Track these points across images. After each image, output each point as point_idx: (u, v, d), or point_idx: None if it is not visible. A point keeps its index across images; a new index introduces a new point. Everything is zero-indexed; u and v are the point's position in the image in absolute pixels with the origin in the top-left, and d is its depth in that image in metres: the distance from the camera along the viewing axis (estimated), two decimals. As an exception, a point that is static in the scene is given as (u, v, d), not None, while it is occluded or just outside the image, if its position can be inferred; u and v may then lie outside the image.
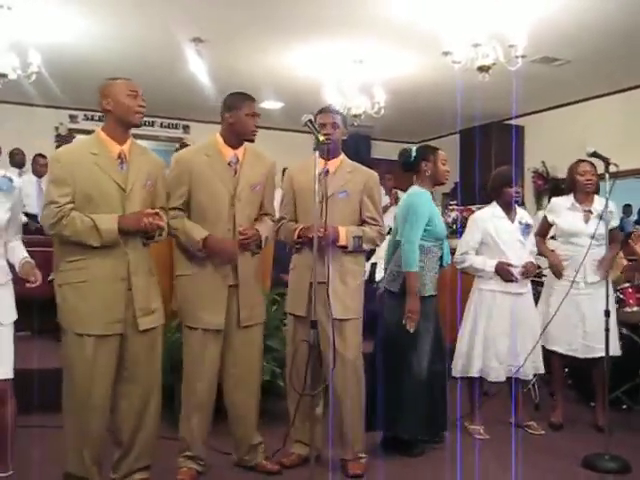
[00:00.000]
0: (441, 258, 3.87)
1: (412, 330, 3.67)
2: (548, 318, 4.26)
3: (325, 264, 3.20)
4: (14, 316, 2.96)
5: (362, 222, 3.53)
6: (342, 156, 3.58)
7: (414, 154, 3.93)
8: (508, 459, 3.65)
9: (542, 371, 4.34)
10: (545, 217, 4.52)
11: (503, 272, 4.15)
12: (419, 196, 3.83)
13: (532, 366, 4.23)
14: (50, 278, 6.06)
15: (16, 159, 7.98)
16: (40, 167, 7.55)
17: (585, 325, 4.25)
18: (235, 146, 3.37)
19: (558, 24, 6.00)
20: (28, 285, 2.82)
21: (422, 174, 3.89)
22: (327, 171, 3.46)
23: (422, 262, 3.77)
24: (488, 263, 4.18)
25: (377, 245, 3.65)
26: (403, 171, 4.01)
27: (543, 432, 4.26)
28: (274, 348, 4.13)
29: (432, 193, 3.93)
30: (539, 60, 6.95)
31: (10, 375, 2.89)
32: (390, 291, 3.82)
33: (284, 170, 3.75)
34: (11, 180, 2.92)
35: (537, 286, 4.84)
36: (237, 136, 3.36)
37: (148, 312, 3.02)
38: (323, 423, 3.49)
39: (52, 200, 2.90)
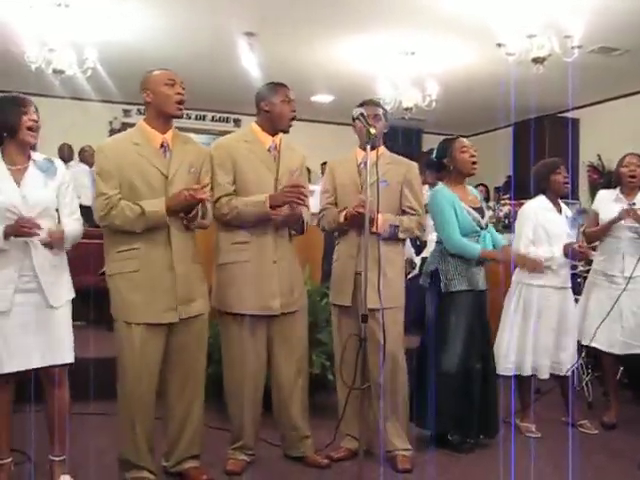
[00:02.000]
0: None
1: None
2: (587, 313, 4.20)
3: (363, 254, 3.18)
4: (67, 297, 3.00)
5: (402, 212, 3.51)
6: (382, 148, 3.55)
7: (435, 153, 3.89)
8: (561, 458, 3.57)
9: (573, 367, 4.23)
10: (594, 211, 4.42)
11: (575, 252, 3.98)
12: (436, 194, 3.81)
13: (569, 361, 4.13)
14: (103, 270, 6.20)
15: (63, 153, 8.20)
16: (90, 156, 7.73)
17: (622, 321, 4.16)
18: (272, 134, 3.39)
19: (616, 12, 5.83)
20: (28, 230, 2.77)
21: (447, 170, 3.84)
22: (366, 162, 3.45)
23: (450, 257, 3.74)
24: (554, 249, 4.03)
25: (415, 235, 3.60)
26: (433, 172, 3.98)
27: (597, 431, 4.17)
28: (323, 342, 4.13)
29: (465, 188, 3.85)
30: (596, 50, 6.78)
31: (67, 360, 2.94)
32: (425, 286, 3.84)
33: (323, 164, 3.75)
34: (52, 162, 2.96)
35: (577, 278, 4.74)
36: (273, 123, 3.37)
37: (189, 300, 3.05)
38: (373, 417, 3.48)
39: (101, 192, 2.96)
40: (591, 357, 4.55)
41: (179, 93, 3.03)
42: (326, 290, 3.98)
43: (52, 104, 7.25)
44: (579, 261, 4.17)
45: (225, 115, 10.31)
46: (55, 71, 6.24)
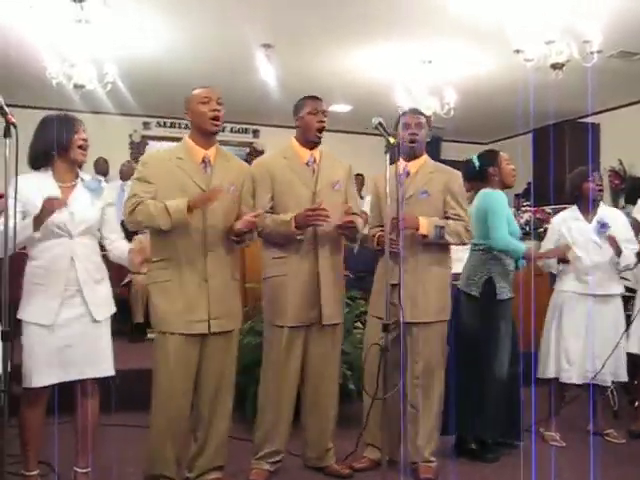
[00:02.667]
0: (516, 260, 3.81)
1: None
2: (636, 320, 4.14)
3: (399, 266, 3.17)
4: (109, 312, 3.05)
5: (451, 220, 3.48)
6: (425, 157, 3.56)
7: (477, 162, 3.91)
8: (586, 468, 3.52)
9: (623, 379, 4.16)
10: (635, 219, 4.34)
11: (554, 254, 4.05)
12: (494, 196, 3.78)
13: (609, 372, 4.06)
14: (124, 282, 6.24)
15: (100, 167, 8.30)
16: (129, 170, 7.86)
17: None
18: (310, 147, 3.41)
19: (635, 16, 5.77)
20: (138, 268, 2.95)
21: (491, 180, 3.85)
22: (408, 172, 3.45)
23: (497, 265, 3.75)
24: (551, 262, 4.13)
25: (463, 241, 3.51)
26: (468, 181, 3.98)
27: (624, 440, 4.11)
28: (345, 351, 4.12)
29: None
30: (616, 55, 6.71)
31: (107, 373, 3.00)
32: (470, 295, 3.78)
33: (356, 175, 3.77)
34: (100, 182, 3.08)
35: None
36: (304, 136, 3.42)
37: (222, 315, 3.07)
38: (396, 427, 3.46)
39: (134, 194, 3.02)
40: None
41: (214, 110, 3.07)
42: (348, 300, 3.99)
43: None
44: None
45: (244, 126, 10.36)
46: (76, 86, 6.30)
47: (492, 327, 3.74)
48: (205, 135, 3.11)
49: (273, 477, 3.39)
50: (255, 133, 10.48)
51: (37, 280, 2.88)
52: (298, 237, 3.27)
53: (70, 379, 2.92)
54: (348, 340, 4.09)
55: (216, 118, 3.08)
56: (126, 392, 3.86)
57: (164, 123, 9.90)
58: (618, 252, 3.99)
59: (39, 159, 2.94)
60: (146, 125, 9.91)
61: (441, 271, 3.49)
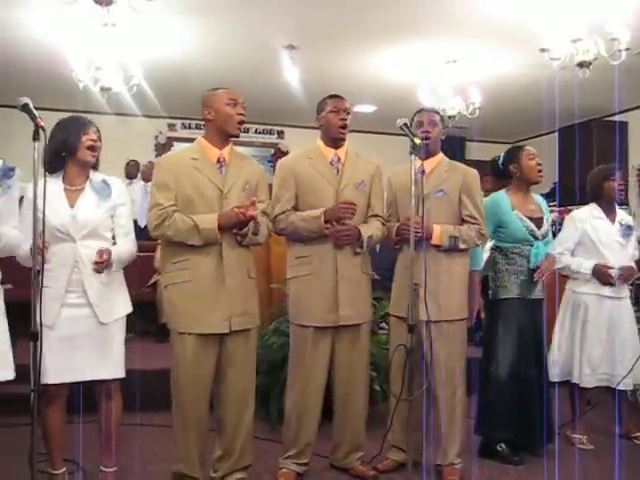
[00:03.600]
0: (529, 260, 3.73)
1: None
2: None
3: (422, 265, 3.16)
4: (120, 314, 3.05)
5: (461, 221, 3.45)
6: (440, 155, 3.54)
7: (501, 160, 3.90)
8: (613, 471, 3.48)
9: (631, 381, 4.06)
10: None
11: (601, 275, 3.96)
12: (489, 200, 3.79)
13: (632, 375, 3.98)
14: (151, 282, 6.27)
15: (131, 170, 8.39)
16: (149, 171, 7.89)
17: None
18: (334, 147, 3.42)
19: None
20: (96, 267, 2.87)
21: (513, 177, 3.83)
22: (423, 171, 3.43)
23: (501, 264, 3.73)
24: (584, 265, 3.99)
25: (477, 245, 3.50)
26: (497, 180, 3.96)
27: (652, 444, 4.05)
28: (371, 352, 4.12)
29: (527, 196, 3.84)
30: (644, 52, 6.61)
31: (116, 375, 3.00)
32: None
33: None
34: (107, 184, 3.03)
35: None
36: (327, 135, 3.42)
37: (240, 313, 3.07)
38: (421, 428, 3.45)
39: (156, 203, 3.02)
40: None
41: (240, 114, 3.09)
42: (373, 301, 3.98)
43: (99, 121, 7.30)
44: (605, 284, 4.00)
45: (269, 127, 10.39)
46: (102, 89, 6.38)
47: (490, 326, 3.74)
48: (224, 136, 3.13)
49: (299, 478, 3.40)
50: (280, 134, 10.50)
51: (46, 283, 2.82)
52: (327, 232, 3.25)
53: (80, 379, 2.93)
54: (373, 341, 4.08)
55: (242, 122, 3.11)
56: (151, 391, 3.89)
57: (189, 125, 9.96)
58: None
59: (52, 162, 2.94)
60: (171, 127, 9.98)
61: (459, 269, 3.46)
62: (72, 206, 2.93)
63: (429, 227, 3.31)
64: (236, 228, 3.02)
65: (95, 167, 3.06)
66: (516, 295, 3.71)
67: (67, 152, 2.94)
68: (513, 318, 3.70)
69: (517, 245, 3.73)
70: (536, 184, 3.86)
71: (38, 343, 2.40)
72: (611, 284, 3.96)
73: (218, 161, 3.10)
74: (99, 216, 2.97)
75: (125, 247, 3.05)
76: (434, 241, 3.33)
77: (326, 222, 3.24)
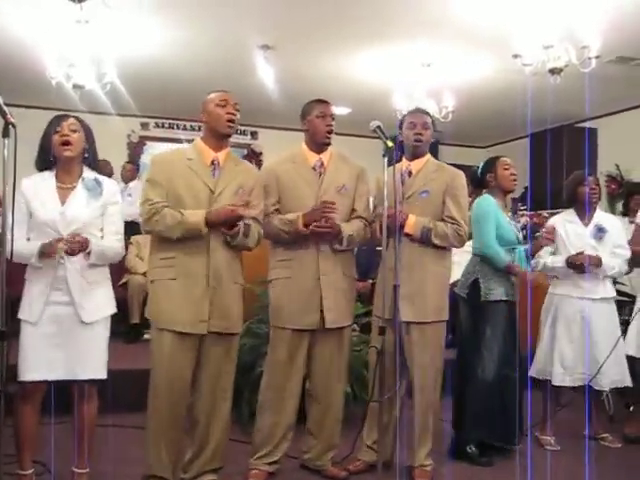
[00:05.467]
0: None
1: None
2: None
3: (393, 265, 3.17)
4: (104, 313, 3.02)
5: (442, 221, 3.46)
6: (427, 156, 3.54)
7: (479, 170, 4.00)
8: (580, 472, 3.54)
9: (624, 384, 4.13)
10: (638, 224, 4.32)
11: (573, 260, 4.01)
12: (481, 202, 3.87)
13: (608, 377, 4.06)
14: (121, 282, 6.23)
15: (102, 169, 8.27)
16: (127, 172, 8.00)
17: None
18: (318, 151, 3.44)
19: (633, 22, 5.79)
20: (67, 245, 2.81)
21: (489, 186, 3.93)
22: (410, 172, 3.46)
23: (488, 268, 3.79)
24: (557, 260, 4.08)
25: (452, 244, 3.48)
26: (476, 188, 4.02)
27: (620, 445, 4.12)
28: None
29: (505, 203, 3.95)
30: (614, 60, 6.73)
31: (97, 376, 2.98)
32: (462, 297, 3.85)
33: None
34: (99, 182, 3.03)
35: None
36: (312, 139, 3.44)
37: (222, 317, 3.06)
38: (392, 430, 3.47)
39: (147, 198, 3.04)
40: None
41: (230, 113, 3.12)
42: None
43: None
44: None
45: (242, 128, 10.34)
46: (75, 86, 6.31)
47: (478, 329, 3.77)
48: (218, 137, 3.15)
49: (271, 478, 3.39)
50: (253, 135, 10.48)
51: (30, 278, 2.91)
52: (304, 233, 3.26)
53: (58, 378, 2.90)
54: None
55: (231, 121, 3.12)
56: (121, 393, 3.85)
57: (162, 124, 9.90)
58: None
59: (38, 161, 2.98)
60: (144, 126, 9.90)
61: (439, 270, 3.47)
62: (63, 203, 2.92)
63: (404, 215, 3.32)
64: (225, 227, 3.00)
65: (93, 166, 3.06)
66: (503, 297, 3.77)
67: (49, 155, 2.94)
68: (500, 320, 3.77)
69: (504, 248, 3.80)
70: (511, 192, 3.98)
71: (5, 343, 2.38)
72: (583, 270, 4.00)
73: (212, 163, 3.11)
74: (88, 214, 2.95)
75: (111, 244, 3.02)
76: (407, 229, 3.34)
77: (305, 225, 3.24)
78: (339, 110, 8.86)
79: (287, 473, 3.50)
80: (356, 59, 7.10)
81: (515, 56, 5.72)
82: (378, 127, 3.03)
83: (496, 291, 3.77)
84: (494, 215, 3.79)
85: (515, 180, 3.92)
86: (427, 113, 3.63)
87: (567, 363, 4.06)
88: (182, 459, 3.16)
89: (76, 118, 3.03)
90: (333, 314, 3.34)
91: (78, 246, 2.81)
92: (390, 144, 2.95)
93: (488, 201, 3.86)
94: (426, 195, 3.42)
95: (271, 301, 3.44)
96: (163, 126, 9.90)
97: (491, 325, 3.75)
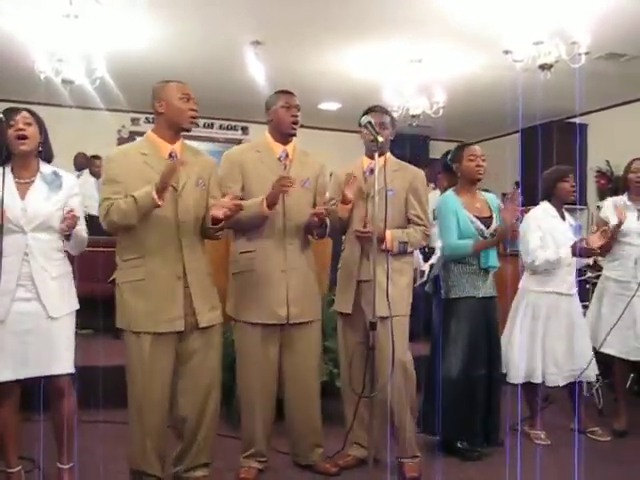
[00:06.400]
0: (479, 260, 3.76)
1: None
2: (600, 319, 4.21)
3: (371, 262, 3.17)
4: (69, 309, 3.00)
5: (407, 220, 3.49)
6: (388, 154, 3.50)
7: (449, 158, 3.95)
8: (570, 466, 3.55)
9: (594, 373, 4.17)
10: (599, 216, 4.42)
11: (586, 244, 3.94)
12: (440, 201, 3.86)
13: (592, 368, 4.09)
14: (111, 278, 6.20)
15: (78, 162, 8.26)
16: (97, 168, 7.78)
17: (636, 327, 4.14)
18: (283, 142, 3.41)
19: (623, 19, 5.81)
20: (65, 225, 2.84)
21: (457, 175, 3.89)
22: (372, 169, 3.43)
23: (452, 263, 3.76)
24: (561, 251, 3.99)
25: (423, 245, 3.53)
26: (451, 177, 4.02)
27: (609, 438, 4.14)
28: (331, 349, 4.13)
29: (472, 193, 3.87)
30: (604, 56, 6.75)
31: (65, 370, 2.94)
32: (431, 294, 3.87)
33: (331, 174, 3.76)
34: (58, 175, 2.99)
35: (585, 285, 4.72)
36: (277, 130, 3.40)
37: (207, 310, 3.06)
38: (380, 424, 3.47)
39: (105, 197, 2.98)
40: (601, 363, 4.50)
41: (193, 109, 3.05)
42: (333, 297, 3.99)
43: (61, 113, 7.26)
44: (588, 257, 4.10)
45: (233, 123, 10.34)
46: (64, 81, 6.28)
47: (443, 326, 3.75)
48: (176, 131, 3.08)
49: (261, 476, 3.39)
50: (244, 130, 10.46)
51: None
52: (266, 212, 3.19)
53: (29, 376, 2.88)
54: (334, 338, 4.10)
55: (195, 117, 3.07)
56: (111, 388, 3.84)
57: (153, 119, 9.75)
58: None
59: None
60: (134, 121, 9.87)
61: (402, 264, 3.48)
62: (23, 198, 2.88)
63: (381, 234, 3.26)
64: (212, 222, 2.97)
65: (47, 159, 3.01)
66: (467, 294, 3.75)
67: (5, 150, 2.86)
68: (465, 317, 3.72)
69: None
70: (476, 182, 3.85)
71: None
72: (593, 254, 4.01)
73: (170, 156, 3.04)
74: (49, 208, 2.92)
75: (79, 232, 3.00)
76: (388, 246, 3.34)
77: (270, 207, 3.19)
78: (329, 105, 8.86)
79: (279, 470, 3.50)
80: (346, 55, 7.10)
81: (505, 52, 5.73)
82: (369, 122, 3.02)
83: (458, 288, 3.74)
84: (453, 214, 3.74)
85: (480, 171, 3.79)
86: (386, 111, 3.58)
87: (560, 362, 4.05)
88: (170, 454, 3.16)
89: (28, 111, 2.97)
90: (297, 308, 3.32)
91: (74, 221, 2.82)
92: (381, 139, 2.94)
93: (446, 200, 3.82)
94: (392, 194, 3.38)
95: (235, 295, 3.37)
96: (154, 121, 9.82)
97: (455, 322, 3.72)
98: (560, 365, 4.06)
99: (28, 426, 3.05)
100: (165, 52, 7.00)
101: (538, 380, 4.07)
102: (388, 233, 3.34)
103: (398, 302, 3.38)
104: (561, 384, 4.10)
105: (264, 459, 3.42)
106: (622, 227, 4.13)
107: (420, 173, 3.58)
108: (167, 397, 3.06)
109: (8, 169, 2.88)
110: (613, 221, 4.18)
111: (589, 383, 4.28)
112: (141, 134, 9.64)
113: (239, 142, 10.26)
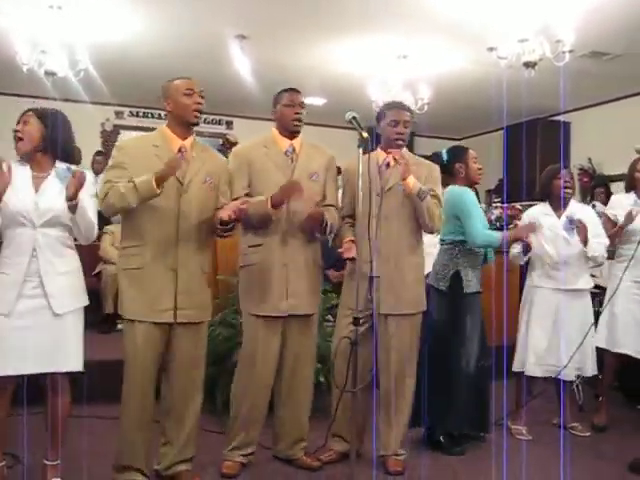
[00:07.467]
0: (485, 255, 3.87)
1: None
2: (614, 319, 4.22)
3: (371, 257, 3.18)
4: (76, 305, 2.98)
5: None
6: (404, 150, 3.50)
7: (445, 157, 3.94)
8: (551, 461, 3.59)
9: (590, 373, 4.19)
10: (606, 214, 4.41)
11: (519, 231, 4.06)
12: (465, 192, 3.83)
13: (575, 367, 4.11)
14: (95, 272, 6.16)
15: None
16: (97, 165, 7.44)
17: None
18: (290, 137, 3.43)
19: (607, 18, 5.86)
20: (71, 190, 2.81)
21: (457, 175, 3.90)
22: (388, 164, 3.45)
23: (464, 259, 3.79)
24: (547, 248, 4.12)
25: (433, 224, 3.43)
26: (443, 176, 4.03)
27: (588, 434, 4.18)
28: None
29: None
30: (588, 55, 6.80)
31: (72, 368, 2.93)
32: (438, 289, 3.83)
33: (339, 169, 3.76)
34: (69, 170, 2.97)
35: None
36: (281, 127, 3.43)
37: (188, 306, 3.06)
38: (365, 419, 3.49)
39: (107, 180, 3.02)
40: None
41: (197, 102, 3.09)
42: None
43: (43, 105, 7.20)
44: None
45: (218, 117, 10.30)
46: (47, 73, 6.22)
47: (459, 321, 3.79)
48: (184, 126, 3.11)
49: (243, 470, 3.39)
50: (229, 124, 10.43)
51: (2, 269, 2.85)
52: (274, 217, 3.24)
53: (30, 372, 2.87)
54: (319, 333, 4.10)
55: (199, 110, 3.10)
56: (96, 383, 3.82)
57: (137, 112, 9.81)
58: (585, 241, 4.04)
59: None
60: (119, 114, 9.80)
61: (416, 260, 3.50)
62: (37, 191, 2.90)
63: (408, 171, 3.29)
64: (221, 224, 2.98)
65: (67, 159, 3.03)
66: (478, 289, 3.82)
67: None
68: (477, 311, 3.82)
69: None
70: (475, 185, 3.98)
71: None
72: (522, 239, 4.04)
73: (179, 151, 3.06)
74: (62, 204, 2.90)
75: (87, 208, 2.96)
76: (408, 181, 3.31)
77: (274, 206, 3.22)
78: (315, 100, 8.85)
79: (260, 464, 3.50)
80: (332, 50, 7.09)
81: (490, 49, 5.77)
82: (354, 118, 3.02)
83: (473, 282, 3.80)
84: (477, 204, 3.82)
85: (481, 175, 3.94)
86: (408, 109, 3.59)
87: (540, 354, 4.10)
88: (153, 450, 3.15)
89: (35, 110, 2.99)
90: (296, 300, 3.34)
91: (81, 181, 2.81)
92: (365, 135, 2.95)
93: (468, 192, 3.84)
94: (401, 188, 3.40)
95: (242, 287, 3.42)
96: (138, 115, 9.81)
97: (471, 317, 3.78)
98: (540, 357, 4.10)
99: (12, 420, 3.02)
100: (150, 45, 6.96)
101: (518, 369, 4.17)
102: (411, 177, 3.31)
103: (407, 299, 3.42)
104: (539, 375, 4.15)
105: (251, 450, 3.41)
106: (632, 226, 4.16)
107: (436, 168, 3.58)
108: (153, 388, 3.06)
109: (27, 165, 2.94)
110: (622, 218, 4.22)
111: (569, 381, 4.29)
112: (126, 128, 9.70)
113: (224, 136, 10.24)
